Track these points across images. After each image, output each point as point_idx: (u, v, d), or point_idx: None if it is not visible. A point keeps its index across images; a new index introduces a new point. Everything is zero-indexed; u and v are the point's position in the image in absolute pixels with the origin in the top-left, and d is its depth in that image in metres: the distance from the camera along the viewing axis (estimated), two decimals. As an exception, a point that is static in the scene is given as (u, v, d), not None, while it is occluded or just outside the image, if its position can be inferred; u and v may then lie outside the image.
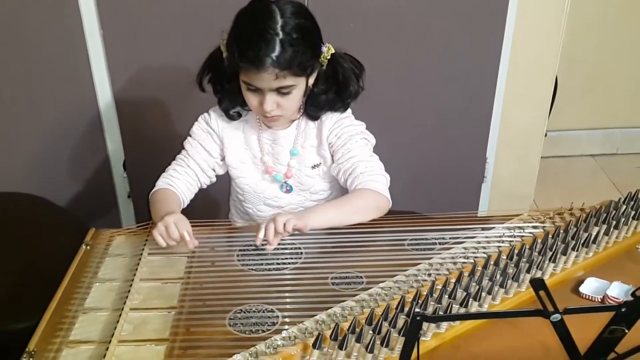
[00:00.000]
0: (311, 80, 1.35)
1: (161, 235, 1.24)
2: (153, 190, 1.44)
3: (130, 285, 1.18)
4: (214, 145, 1.47)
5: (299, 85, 1.31)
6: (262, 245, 1.26)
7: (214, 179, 1.51)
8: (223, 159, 1.49)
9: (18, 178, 2.17)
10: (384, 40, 2.11)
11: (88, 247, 1.33)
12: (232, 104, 1.42)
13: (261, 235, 1.24)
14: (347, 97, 1.42)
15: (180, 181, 1.44)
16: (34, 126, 2.14)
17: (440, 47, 2.15)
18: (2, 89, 2.07)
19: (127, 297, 1.15)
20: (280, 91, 1.30)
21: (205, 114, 1.47)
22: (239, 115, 1.44)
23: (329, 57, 1.35)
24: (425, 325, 1.01)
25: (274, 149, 1.46)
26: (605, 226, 1.26)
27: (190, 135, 1.48)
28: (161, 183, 1.44)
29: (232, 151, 1.47)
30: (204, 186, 1.50)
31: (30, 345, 1.02)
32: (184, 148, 1.48)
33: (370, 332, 0.95)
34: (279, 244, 1.29)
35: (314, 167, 1.47)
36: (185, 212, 1.35)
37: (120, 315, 1.10)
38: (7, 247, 1.77)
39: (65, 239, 1.44)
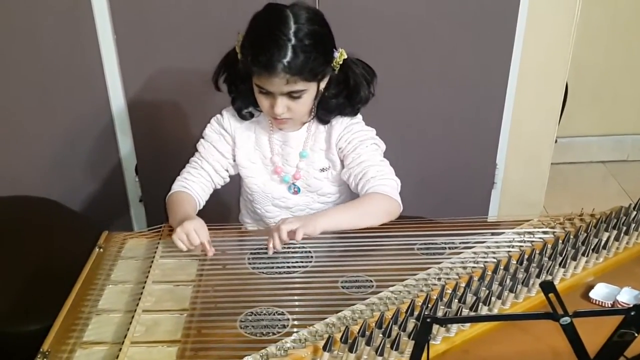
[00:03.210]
0: (322, 85, 1.36)
1: (182, 241, 1.26)
2: (169, 194, 1.46)
3: (143, 288, 1.20)
4: (227, 147, 1.48)
5: (309, 90, 1.33)
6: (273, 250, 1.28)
7: (228, 180, 1.53)
8: (235, 159, 1.50)
9: (31, 182, 2.18)
10: (393, 46, 2.12)
11: (101, 250, 1.34)
12: (244, 104, 1.43)
13: (271, 245, 1.27)
14: (357, 103, 1.43)
15: (195, 183, 1.46)
16: (46, 130, 2.16)
17: (450, 53, 2.16)
18: (14, 92, 2.09)
19: (139, 299, 1.16)
20: (292, 95, 1.31)
21: (218, 115, 1.49)
22: (251, 115, 1.46)
23: (341, 62, 1.36)
24: (435, 328, 1.01)
25: (284, 150, 1.47)
26: (615, 232, 1.26)
27: (203, 138, 1.50)
28: (177, 186, 1.46)
29: (242, 151, 1.48)
30: (218, 187, 1.52)
31: (45, 345, 1.03)
32: (197, 150, 1.50)
33: (380, 335, 0.96)
34: (289, 248, 1.30)
35: (322, 170, 1.48)
36: (198, 214, 1.36)
37: (132, 316, 1.11)
38: (21, 249, 1.79)
39: (78, 242, 1.45)
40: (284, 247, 1.29)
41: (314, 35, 1.27)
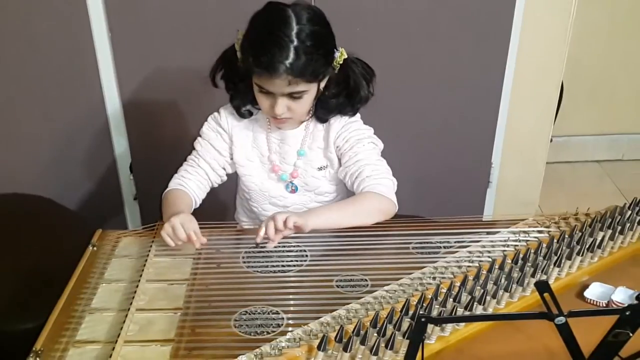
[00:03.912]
0: (322, 85, 1.36)
1: (168, 236, 1.26)
2: (165, 191, 1.45)
3: (137, 286, 1.19)
4: (224, 145, 1.48)
5: (310, 90, 1.32)
6: (263, 243, 1.27)
7: (225, 178, 1.52)
8: (233, 157, 1.50)
9: (26, 180, 2.17)
10: (389, 45, 2.11)
11: (95, 248, 1.33)
12: (243, 102, 1.43)
13: (262, 232, 1.25)
14: (357, 102, 1.43)
15: (192, 181, 1.46)
16: (41, 128, 2.14)
17: (446, 52, 2.16)
18: (9, 91, 2.08)
19: (133, 297, 1.16)
20: (292, 96, 1.31)
21: (215, 113, 1.48)
22: (250, 114, 1.46)
23: (341, 62, 1.36)
24: (429, 328, 1.01)
25: (282, 148, 1.47)
26: (610, 231, 1.26)
27: (200, 136, 1.50)
28: (173, 184, 1.46)
29: (240, 149, 1.48)
30: (215, 185, 1.51)
31: (37, 344, 1.03)
32: (194, 148, 1.50)
33: (375, 334, 0.96)
34: (284, 246, 1.30)
35: (320, 168, 1.48)
36: (193, 212, 1.36)
37: (126, 315, 1.11)
38: (14, 248, 1.78)
39: (72, 240, 1.45)
40: (279, 245, 1.29)
41: (316, 36, 1.27)
